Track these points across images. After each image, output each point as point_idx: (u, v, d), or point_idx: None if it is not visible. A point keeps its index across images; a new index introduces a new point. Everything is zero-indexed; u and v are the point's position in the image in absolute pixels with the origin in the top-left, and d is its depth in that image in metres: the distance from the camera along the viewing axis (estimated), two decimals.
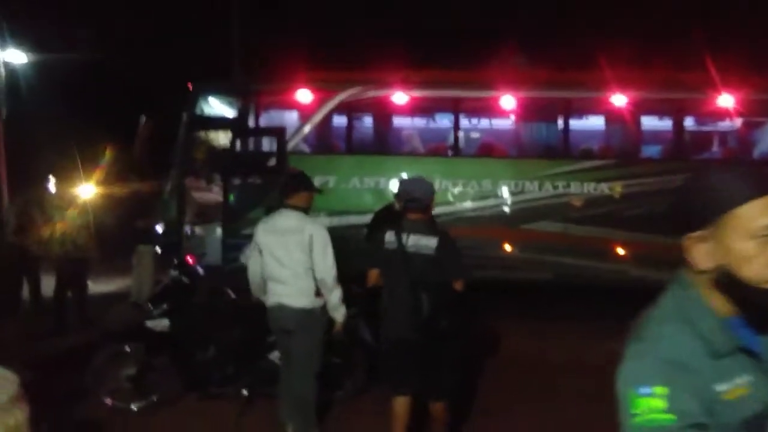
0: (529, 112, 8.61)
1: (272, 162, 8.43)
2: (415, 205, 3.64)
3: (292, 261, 3.76)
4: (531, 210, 8.26)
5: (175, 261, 5.54)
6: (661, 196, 8.02)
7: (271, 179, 8.35)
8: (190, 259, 7.16)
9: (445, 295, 3.53)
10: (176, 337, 4.62)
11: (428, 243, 3.51)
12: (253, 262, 3.99)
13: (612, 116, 8.66)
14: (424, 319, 3.48)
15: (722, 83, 7.94)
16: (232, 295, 5.20)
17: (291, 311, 3.80)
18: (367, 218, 8.16)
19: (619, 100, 8.19)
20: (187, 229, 8.74)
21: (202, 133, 8.97)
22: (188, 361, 4.68)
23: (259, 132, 8.76)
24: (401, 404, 3.62)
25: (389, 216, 4.91)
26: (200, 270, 5.45)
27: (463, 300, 3.66)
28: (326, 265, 3.78)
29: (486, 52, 9.80)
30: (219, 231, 8.56)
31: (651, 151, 9.02)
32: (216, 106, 9.20)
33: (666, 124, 8.86)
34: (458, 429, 4.20)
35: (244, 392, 4.64)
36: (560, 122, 8.56)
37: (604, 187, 8.19)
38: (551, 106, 8.59)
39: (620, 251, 8.18)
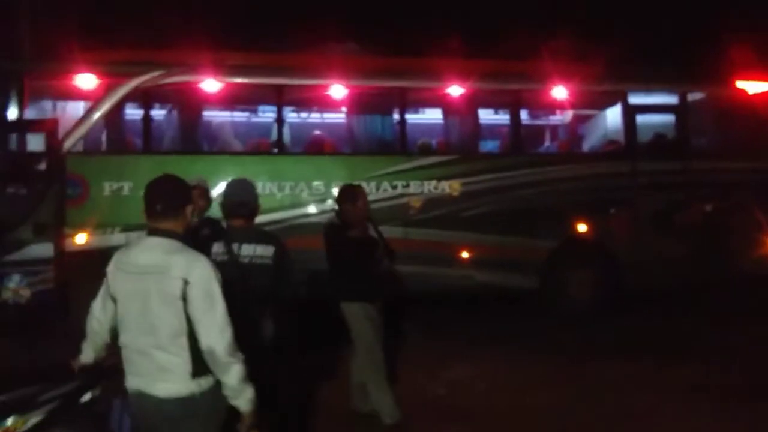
0: (362, 103, 7.65)
1: (41, 165, 6.58)
2: (242, 210, 3.35)
3: (153, 322, 2.39)
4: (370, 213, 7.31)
5: None
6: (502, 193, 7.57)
7: (41, 187, 6.53)
8: None
9: (283, 310, 3.35)
10: None
11: (264, 252, 3.24)
12: (99, 309, 2.62)
13: (450, 109, 8.00)
14: (268, 340, 3.15)
15: (557, 74, 7.64)
16: None
17: (155, 403, 2.41)
18: None
19: (457, 91, 7.55)
20: None
21: None
22: None
23: (21, 126, 6.80)
24: None
25: (208, 227, 3.88)
26: None
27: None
28: (214, 328, 2.38)
29: (313, 36, 8.68)
30: None
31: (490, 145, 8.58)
32: None
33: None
34: None
35: None
36: (396, 115, 7.72)
37: (445, 186, 7.50)
38: (386, 96, 7.71)
39: (465, 255, 7.55)
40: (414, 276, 7.27)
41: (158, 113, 7.57)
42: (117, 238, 6.70)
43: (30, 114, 7.01)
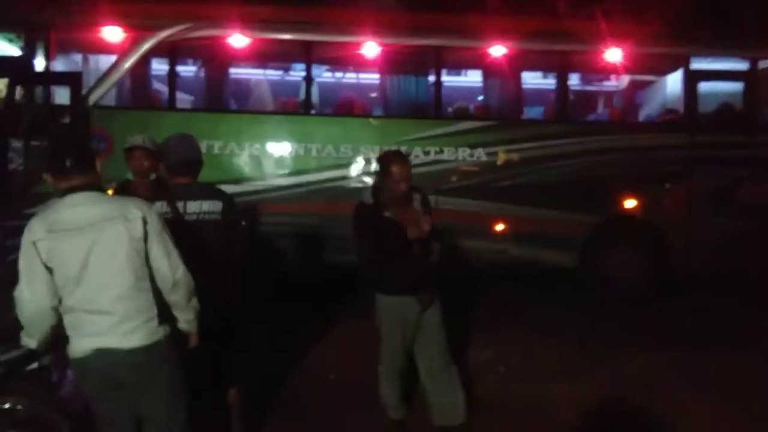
0: (396, 62, 7.20)
1: (65, 118, 6.47)
2: (186, 168, 3.17)
3: (112, 273, 2.37)
4: None
5: None
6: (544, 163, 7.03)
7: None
8: None
9: (235, 268, 3.18)
10: None
11: (212, 207, 3.08)
12: (31, 289, 2.34)
13: (491, 70, 7.45)
14: (218, 300, 2.87)
15: (611, 35, 6.96)
16: None
17: (122, 357, 2.38)
18: None
19: (498, 51, 6.98)
20: None
21: None
22: None
23: (47, 78, 6.68)
24: None
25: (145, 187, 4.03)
26: None
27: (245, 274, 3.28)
28: (173, 255, 2.53)
29: None
30: None
31: (534, 112, 7.99)
32: None
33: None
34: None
35: None
36: (432, 77, 7.24)
37: (481, 153, 7.02)
38: (422, 56, 7.22)
39: (499, 227, 7.10)
40: (446, 250, 6.91)
41: (184, 69, 7.34)
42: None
43: (56, 68, 6.90)
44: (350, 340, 5.41)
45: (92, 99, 6.58)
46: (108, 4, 6.65)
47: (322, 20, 6.90)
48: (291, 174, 6.82)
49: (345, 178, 6.87)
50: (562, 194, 7.02)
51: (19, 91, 6.53)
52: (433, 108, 7.12)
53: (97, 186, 2.46)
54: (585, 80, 8.40)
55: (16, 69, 6.49)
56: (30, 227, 2.33)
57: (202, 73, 7.26)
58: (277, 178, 6.80)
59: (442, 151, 6.97)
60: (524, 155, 7.06)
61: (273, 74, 7.92)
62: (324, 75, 7.79)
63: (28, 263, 2.32)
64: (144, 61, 6.80)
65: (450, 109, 7.52)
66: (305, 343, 5.42)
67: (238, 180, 6.69)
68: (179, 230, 2.69)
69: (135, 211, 2.43)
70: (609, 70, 7.77)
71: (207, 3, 6.95)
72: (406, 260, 3.44)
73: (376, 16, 6.94)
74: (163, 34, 6.67)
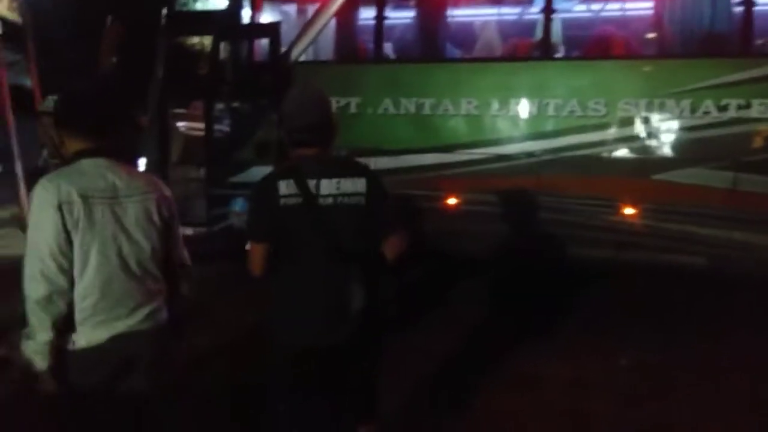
0: None
1: (266, 75, 5.74)
2: (313, 136, 2.20)
3: (139, 247, 2.08)
4: (676, 149, 4.89)
5: None
6: None
7: (265, 102, 5.72)
8: None
9: (380, 271, 2.30)
10: None
11: (354, 187, 2.17)
12: (55, 265, 1.91)
13: None
14: (356, 311, 2.18)
15: None
16: None
17: (147, 339, 2.09)
18: (410, 160, 5.51)
19: None
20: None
21: (186, 38, 6.46)
22: None
23: (245, 32, 6.01)
24: None
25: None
26: None
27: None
28: (181, 239, 2.27)
29: None
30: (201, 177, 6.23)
31: None
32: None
33: None
34: None
35: None
36: None
37: None
38: None
39: None
40: (738, 247, 4.75)
41: (394, 12, 6.12)
42: None
43: (264, 18, 6.22)
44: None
45: (294, 53, 5.75)
46: None
47: None
48: (520, 139, 5.22)
49: (595, 145, 5.04)
50: None
51: (223, 48, 6.02)
52: (736, 41, 4.82)
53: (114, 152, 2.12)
54: None
55: (217, 23, 5.92)
56: (58, 185, 1.95)
57: (414, 17, 5.97)
58: (501, 145, 5.26)
59: (748, 106, 4.67)
60: None
61: (501, 10, 6.25)
62: (571, 5, 5.89)
63: (55, 228, 1.93)
64: (348, 7, 5.74)
65: (764, 42, 5.10)
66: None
67: (450, 147, 5.33)
68: (308, 218, 2.13)
69: (158, 186, 2.19)
70: None
71: None
72: None
73: None
74: None
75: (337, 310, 2.16)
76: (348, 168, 2.22)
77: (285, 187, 2.12)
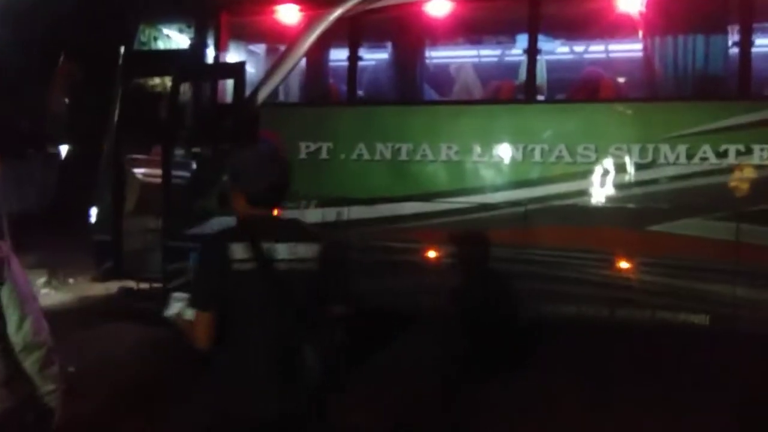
0: (670, 17, 4.74)
1: (229, 119, 5.33)
2: (275, 195, 2.20)
3: None
4: (673, 198, 4.50)
5: None
6: None
7: (226, 148, 5.28)
8: None
9: (333, 337, 2.27)
10: None
11: (306, 252, 2.16)
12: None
13: None
14: (310, 381, 2.15)
15: None
16: None
17: None
18: (385, 210, 5.08)
19: None
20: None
21: (144, 78, 6.05)
22: None
23: (208, 72, 5.60)
24: None
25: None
26: None
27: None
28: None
29: None
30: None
31: None
32: (165, 37, 6.20)
33: None
34: None
35: None
36: (730, 36, 4.65)
37: None
38: (714, 5, 4.70)
39: None
40: (743, 306, 4.35)
41: (368, 53, 5.80)
42: (312, 214, 5.16)
43: (229, 58, 5.84)
44: None
45: (261, 95, 5.35)
46: None
47: None
48: (504, 187, 4.83)
49: (584, 193, 4.66)
50: None
51: (184, 89, 5.60)
52: (733, 83, 4.53)
53: None
54: None
55: (179, 62, 5.52)
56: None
57: (390, 56, 5.65)
58: (484, 194, 4.85)
59: (749, 151, 4.35)
60: None
61: (481, 51, 5.99)
62: (554, 46, 5.62)
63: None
64: (319, 47, 5.39)
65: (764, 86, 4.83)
66: None
67: (429, 195, 4.91)
68: (261, 286, 2.08)
69: None
70: None
71: None
72: None
73: None
74: (341, 9, 5.19)
75: (293, 378, 2.12)
76: (302, 232, 2.21)
77: (238, 250, 2.05)
